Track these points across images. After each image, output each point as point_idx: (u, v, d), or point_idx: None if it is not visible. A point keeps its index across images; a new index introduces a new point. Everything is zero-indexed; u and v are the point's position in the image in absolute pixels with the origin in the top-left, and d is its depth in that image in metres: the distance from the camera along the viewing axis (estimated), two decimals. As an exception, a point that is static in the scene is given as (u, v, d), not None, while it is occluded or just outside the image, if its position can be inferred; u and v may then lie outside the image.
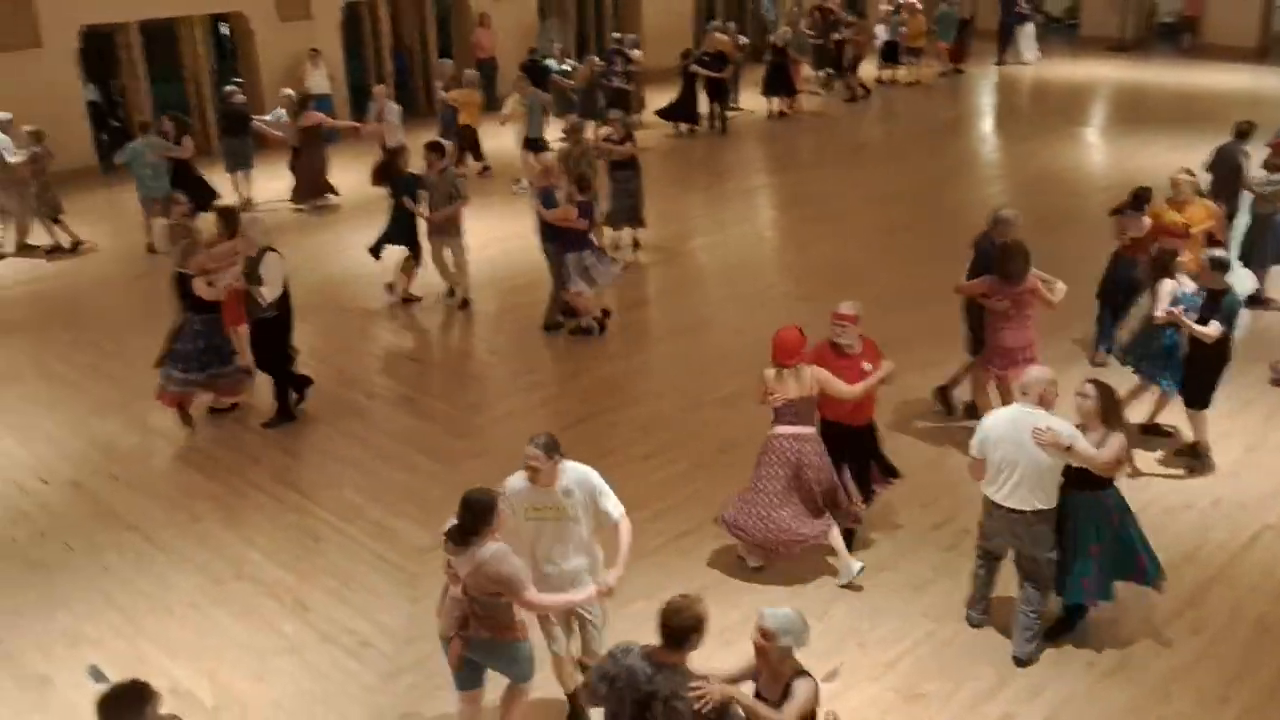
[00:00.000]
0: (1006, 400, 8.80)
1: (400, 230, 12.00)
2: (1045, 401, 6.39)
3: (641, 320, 11.95)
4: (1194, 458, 8.59)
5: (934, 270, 12.09)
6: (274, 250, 9.26)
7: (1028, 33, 25.57)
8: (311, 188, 15.81)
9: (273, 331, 9.39)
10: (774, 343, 7.11)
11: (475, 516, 5.24)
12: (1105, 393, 6.41)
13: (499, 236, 13.99)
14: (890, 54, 23.64)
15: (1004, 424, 6.41)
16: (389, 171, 12.55)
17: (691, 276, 13.38)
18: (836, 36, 22.65)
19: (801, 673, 4.73)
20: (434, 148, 11.79)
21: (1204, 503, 8.17)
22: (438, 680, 6.49)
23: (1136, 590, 7.15)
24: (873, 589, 7.26)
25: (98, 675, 6.64)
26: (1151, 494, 8.24)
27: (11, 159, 13.72)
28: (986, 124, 21.54)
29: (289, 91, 16.27)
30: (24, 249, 14.30)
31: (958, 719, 6.14)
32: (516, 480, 5.76)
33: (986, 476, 6.50)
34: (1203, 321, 8.14)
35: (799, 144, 19.88)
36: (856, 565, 7.25)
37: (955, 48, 24.24)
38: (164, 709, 4.30)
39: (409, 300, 12.26)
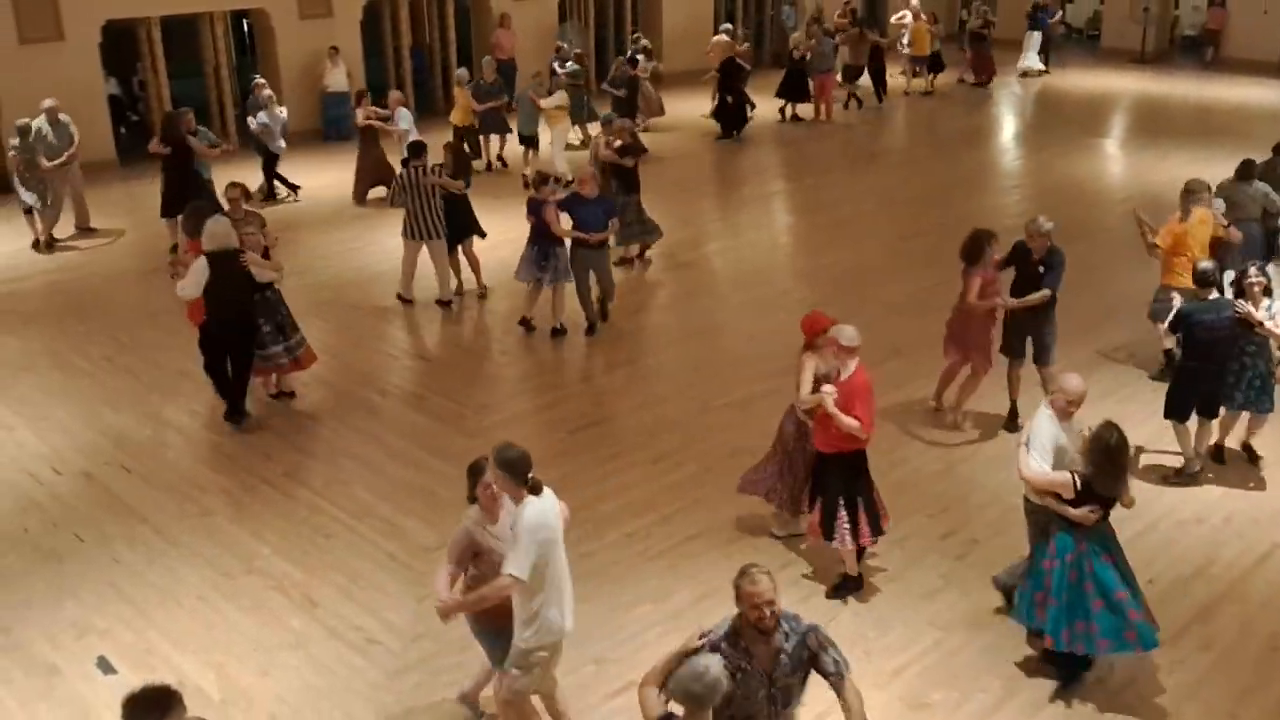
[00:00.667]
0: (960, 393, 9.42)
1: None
2: (1054, 405, 6.55)
3: (654, 324, 11.94)
4: (1178, 475, 8.65)
5: (948, 277, 12.03)
6: (208, 256, 9.09)
7: (1034, 41, 25.37)
8: (370, 184, 15.90)
9: (202, 335, 9.46)
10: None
11: (468, 479, 5.54)
12: (1100, 434, 6.10)
13: (513, 238, 13.96)
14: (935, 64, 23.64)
15: None
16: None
17: (705, 281, 13.37)
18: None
19: None
20: (413, 149, 12.09)
21: (1216, 518, 8.12)
22: (443, 679, 6.52)
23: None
24: (880, 597, 7.24)
25: (106, 667, 6.70)
26: (1163, 507, 8.21)
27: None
28: (1004, 133, 21.48)
29: (267, 92, 16.30)
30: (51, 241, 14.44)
31: (963, 730, 6.13)
32: None
33: None
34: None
35: (815, 150, 19.85)
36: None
37: (977, 60, 24.11)
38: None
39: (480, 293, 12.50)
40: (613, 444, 9.26)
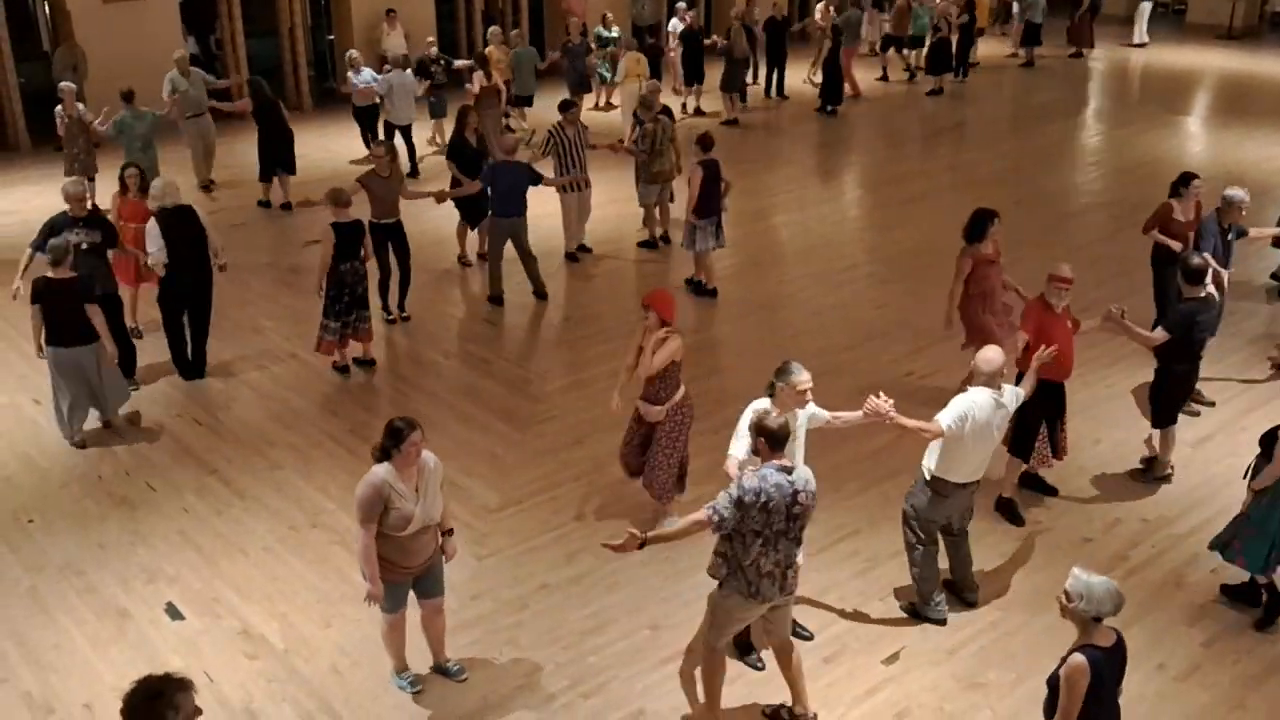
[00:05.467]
0: None
1: None
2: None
3: (720, 294, 11.88)
4: (1149, 472, 8.33)
5: (1022, 256, 11.86)
6: (157, 215, 9.45)
7: (1143, 13, 24.89)
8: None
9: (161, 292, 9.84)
10: (662, 299, 7.33)
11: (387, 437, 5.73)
12: None
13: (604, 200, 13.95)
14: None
15: None
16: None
17: (771, 253, 13.29)
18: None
19: (1082, 649, 4.76)
20: (560, 106, 12.40)
21: (1289, 508, 7.93)
22: (500, 637, 6.61)
23: (1214, 594, 7.03)
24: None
25: (174, 613, 6.88)
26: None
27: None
28: (1085, 109, 20.98)
29: (354, 53, 16.34)
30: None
31: (1019, 711, 6.07)
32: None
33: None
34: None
35: (891, 123, 19.59)
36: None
37: (1076, 29, 23.70)
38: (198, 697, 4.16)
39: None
40: (674, 412, 9.26)
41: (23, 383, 9.74)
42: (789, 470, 5.42)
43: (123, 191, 10.41)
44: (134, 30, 16.91)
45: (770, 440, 5.46)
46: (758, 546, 5.40)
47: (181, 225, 9.49)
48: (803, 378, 6.16)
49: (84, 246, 9.24)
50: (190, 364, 9.90)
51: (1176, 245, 9.65)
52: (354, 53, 16.24)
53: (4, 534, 7.66)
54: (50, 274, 8.34)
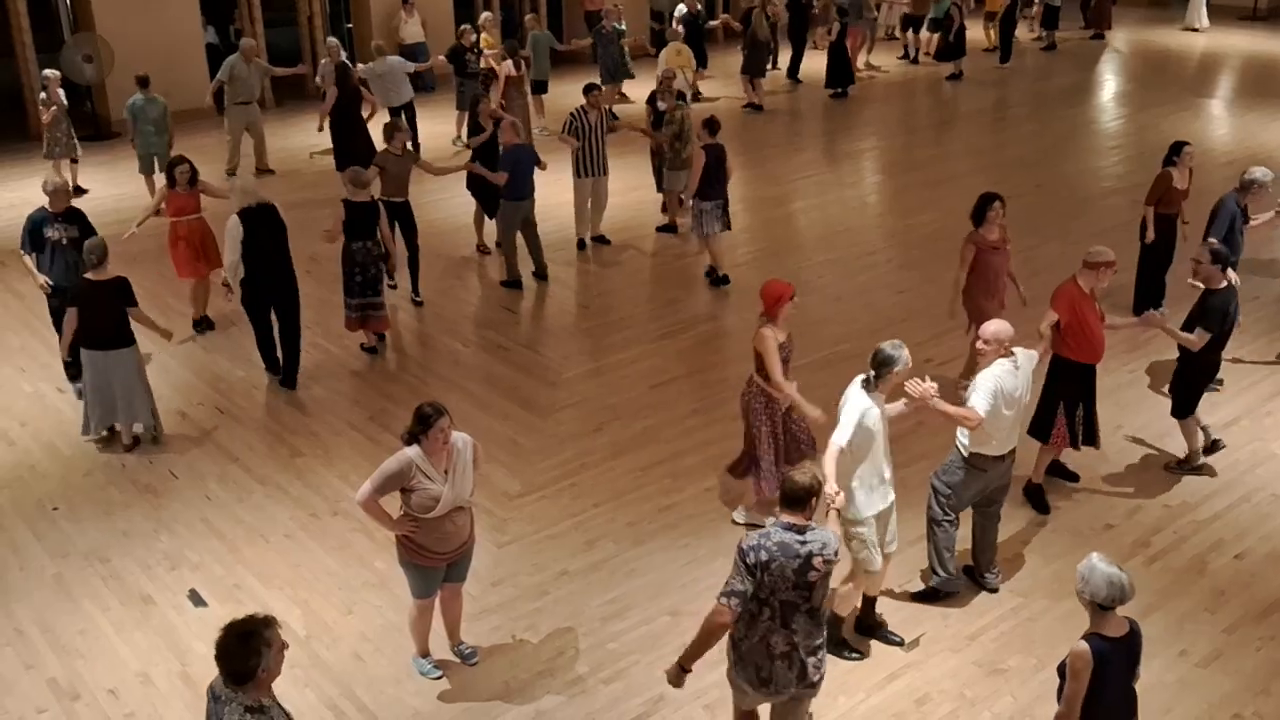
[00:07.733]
0: None
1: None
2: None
3: (737, 281, 11.84)
4: (1185, 467, 8.16)
5: (1044, 241, 11.82)
6: (239, 214, 9.16)
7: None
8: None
9: (244, 295, 9.55)
10: (774, 292, 7.22)
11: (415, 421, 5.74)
12: None
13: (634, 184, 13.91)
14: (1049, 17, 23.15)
15: None
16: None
17: (790, 239, 13.24)
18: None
19: (1088, 637, 4.69)
20: (585, 90, 12.32)
21: (1314, 493, 7.89)
22: (522, 622, 6.64)
23: (1236, 580, 6.99)
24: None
25: (196, 599, 6.94)
26: (1258, 480, 8.00)
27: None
28: (1107, 92, 20.81)
29: (332, 40, 16.26)
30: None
31: (1041, 697, 6.04)
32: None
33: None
34: (1189, 325, 7.79)
35: (910, 107, 19.48)
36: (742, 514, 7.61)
37: (1094, 10, 23.53)
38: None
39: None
40: (694, 400, 9.26)
41: (47, 371, 9.82)
42: (800, 529, 4.85)
43: (171, 185, 10.42)
44: (154, 20, 16.97)
45: (786, 499, 4.94)
46: (765, 620, 4.88)
47: (264, 224, 9.21)
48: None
49: (63, 241, 9.12)
50: (283, 369, 9.63)
51: (1150, 235, 10.28)
52: (333, 40, 16.21)
53: (29, 521, 7.74)
54: (91, 275, 8.26)
